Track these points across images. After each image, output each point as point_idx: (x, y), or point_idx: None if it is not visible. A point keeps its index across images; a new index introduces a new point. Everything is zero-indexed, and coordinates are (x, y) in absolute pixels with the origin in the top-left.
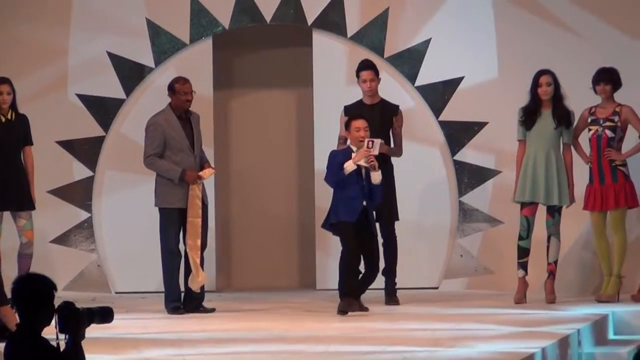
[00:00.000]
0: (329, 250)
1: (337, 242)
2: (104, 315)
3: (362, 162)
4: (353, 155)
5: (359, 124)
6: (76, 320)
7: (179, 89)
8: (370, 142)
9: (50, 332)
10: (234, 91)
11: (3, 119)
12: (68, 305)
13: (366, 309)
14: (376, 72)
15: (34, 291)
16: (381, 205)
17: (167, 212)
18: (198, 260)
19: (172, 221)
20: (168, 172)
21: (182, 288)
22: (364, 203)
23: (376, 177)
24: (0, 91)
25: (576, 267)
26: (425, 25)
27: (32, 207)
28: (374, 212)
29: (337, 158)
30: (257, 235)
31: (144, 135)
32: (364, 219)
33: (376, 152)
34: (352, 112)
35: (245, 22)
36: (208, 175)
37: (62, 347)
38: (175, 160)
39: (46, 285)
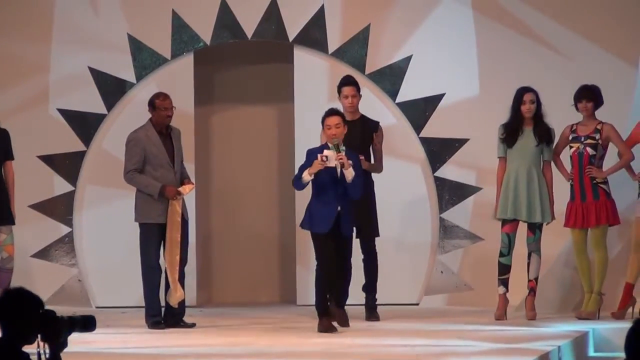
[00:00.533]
0: (310, 266)
1: None
2: (86, 323)
3: (332, 163)
4: (326, 150)
5: (329, 121)
6: (55, 328)
7: (159, 104)
8: (325, 157)
9: (32, 346)
10: (215, 107)
11: None
12: (47, 313)
13: (347, 325)
14: (357, 89)
15: (19, 307)
16: (361, 221)
17: (147, 227)
18: (176, 276)
19: (152, 236)
20: (147, 187)
21: (163, 303)
22: (339, 208)
23: (348, 174)
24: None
25: (557, 284)
26: (406, 42)
27: (12, 222)
28: (355, 228)
29: (311, 159)
30: (238, 251)
31: (124, 151)
32: (338, 224)
33: (331, 165)
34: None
35: (227, 38)
36: (188, 191)
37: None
38: (155, 175)
39: (32, 302)
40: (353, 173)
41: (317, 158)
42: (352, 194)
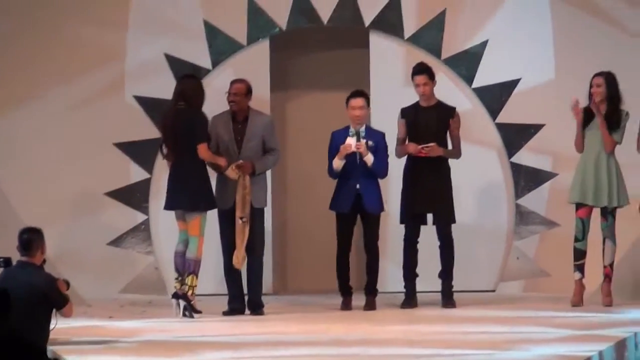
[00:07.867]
0: (386, 253)
1: (395, 245)
2: None
3: (352, 149)
4: (348, 138)
5: (353, 102)
6: None
7: (228, 92)
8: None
9: None
10: (290, 92)
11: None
12: None
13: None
14: (430, 76)
15: None
16: (437, 207)
17: (221, 214)
18: (243, 238)
19: (226, 223)
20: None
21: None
22: (357, 186)
23: (368, 161)
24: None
25: (633, 270)
26: (482, 27)
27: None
28: (432, 214)
29: (335, 142)
30: (314, 238)
31: None
32: (359, 202)
33: (352, 149)
34: (407, 113)
35: (302, 24)
36: (228, 168)
37: None
38: None
39: None
40: (372, 159)
41: (337, 147)
42: (378, 175)
